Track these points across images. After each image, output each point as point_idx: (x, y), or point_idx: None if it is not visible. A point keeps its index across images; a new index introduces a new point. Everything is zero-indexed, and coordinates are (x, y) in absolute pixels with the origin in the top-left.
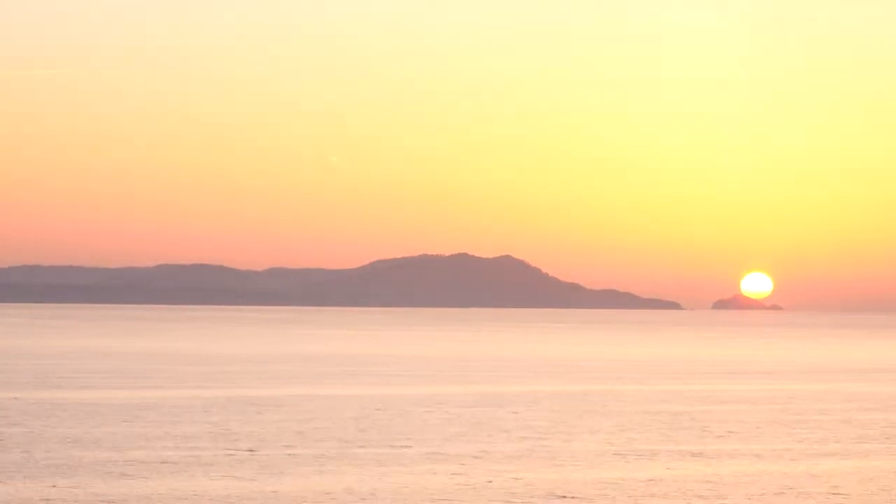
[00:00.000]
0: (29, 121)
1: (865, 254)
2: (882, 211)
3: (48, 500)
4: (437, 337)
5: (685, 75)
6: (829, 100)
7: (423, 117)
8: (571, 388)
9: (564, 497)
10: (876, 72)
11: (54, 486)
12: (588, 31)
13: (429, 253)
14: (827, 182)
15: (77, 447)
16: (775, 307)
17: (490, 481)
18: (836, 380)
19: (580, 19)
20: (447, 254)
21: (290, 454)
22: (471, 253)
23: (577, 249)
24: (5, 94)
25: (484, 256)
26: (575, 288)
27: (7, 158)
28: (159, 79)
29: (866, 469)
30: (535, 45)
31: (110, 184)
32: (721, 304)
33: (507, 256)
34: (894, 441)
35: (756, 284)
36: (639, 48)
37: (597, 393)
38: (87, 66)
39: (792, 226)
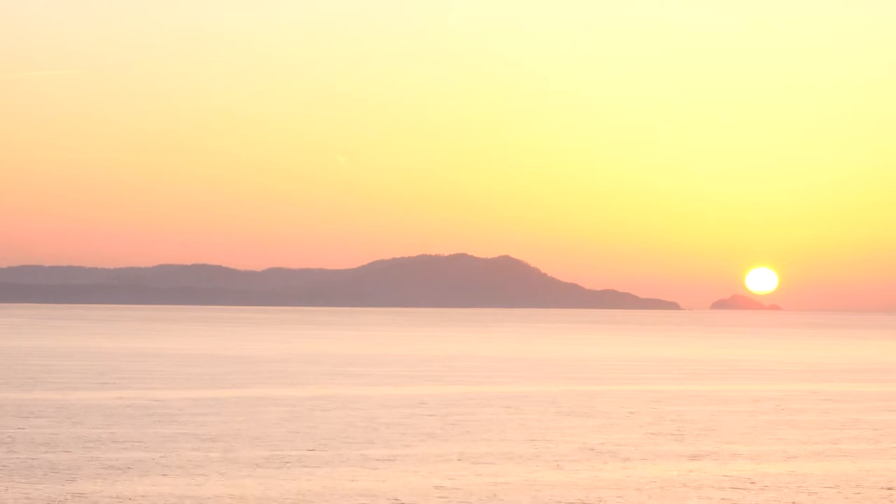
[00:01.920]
0: (29, 121)
1: (871, 255)
2: (888, 211)
3: (46, 500)
4: (437, 337)
5: (685, 76)
6: (836, 100)
7: (423, 119)
8: (570, 389)
9: (561, 498)
10: (884, 71)
11: (53, 487)
12: (586, 31)
13: (428, 253)
14: (833, 181)
15: (77, 448)
16: (774, 307)
17: (486, 481)
18: (837, 380)
19: (579, 19)
20: (446, 254)
21: (288, 454)
22: (470, 253)
23: (577, 250)
24: (6, 95)
25: (483, 256)
26: (574, 288)
27: (7, 158)
28: (160, 79)
29: (870, 469)
30: (536, 47)
31: (110, 184)
32: (720, 305)
33: (506, 257)
34: (891, 441)
35: (761, 280)
36: (637, 46)
37: (595, 393)
38: (88, 67)
39: (798, 225)
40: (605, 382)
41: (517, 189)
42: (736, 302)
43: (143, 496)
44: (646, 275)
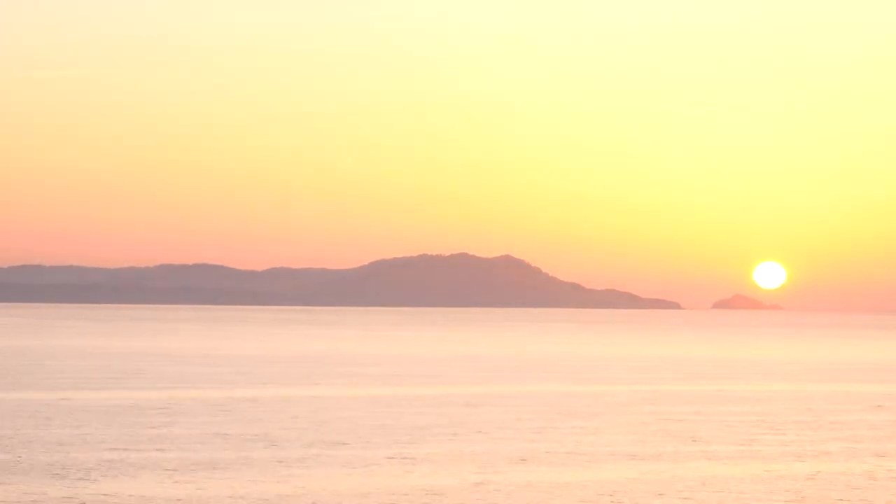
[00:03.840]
0: (30, 121)
1: (880, 255)
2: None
3: (43, 500)
4: (437, 337)
5: (685, 75)
6: (840, 100)
7: (424, 119)
8: (570, 389)
9: (561, 497)
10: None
11: (52, 487)
12: (584, 33)
13: (429, 253)
14: (843, 178)
15: (76, 449)
16: (775, 307)
17: (481, 482)
18: (836, 380)
19: (577, 20)
20: (447, 254)
21: (286, 454)
22: (471, 253)
23: (578, 249)
24: (6, 96)
25: (484, 256)
26: (575, 288)
27: (8, 158)
28: (160, 79)
29: (870, 470)
30: (537, 48)
31: (110, 184)
32: (721, 305)
33: (507, 256)
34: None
35: (769, 275)
36: (637, 48)
37: (596, 394)
38: (88, 67)
39: (807, 223)
40: (608, 383)
41: (518, 189)
42: (737, 302)
43: (142, 497)
44: (647, 275)
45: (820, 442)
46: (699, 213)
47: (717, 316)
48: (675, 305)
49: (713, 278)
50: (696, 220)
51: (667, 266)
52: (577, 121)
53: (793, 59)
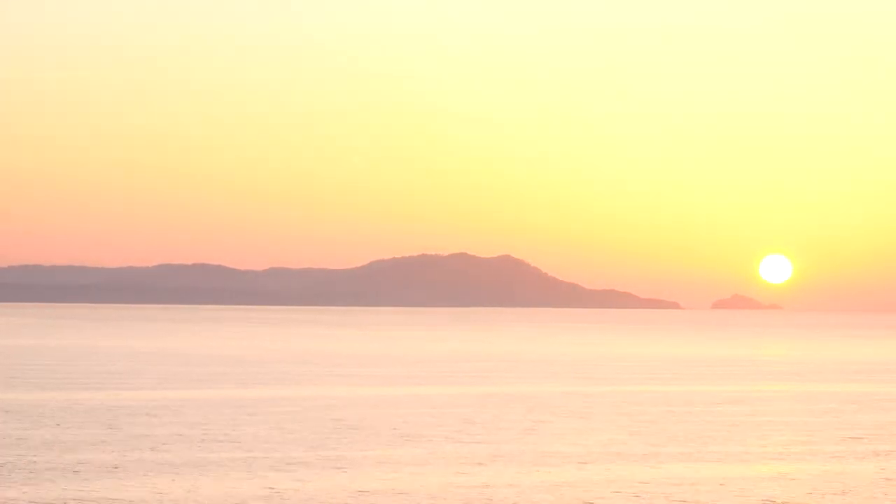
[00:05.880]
0: (30, 121)
1: (883, 253)
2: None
3: (44, 501)
4: (437, 337)
5: (683, 71)
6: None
7: (422, 118)
8: (569, 389)
9: (559, 497)
10: None
11: (52, 488)
12: (584, 33)
13: (428, 252)
14: (843, 178)
15: (74, 449)
16: (774, 307)
17: (483, 482)
18: (837, 380)
19: (582, 20)
20: (446, 253)
21: (284, 455)
22: (470, 252)
23: (577, 249)
24: (6, 95)
25: (483, 256)
26: (574, 288)
27: (8, 158)
28: (159, 79)
29: (872, 470)
30: (537, 46)
31: (110, 184)
32: (720, 304)
33: (507, 256)
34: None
35: (775, 269)
36: (636, 47)
37: (595, 394)
38: (89, 67)
39: (810, 219)
40: (608, 384)
41: (518, 188)
42: (736, 302)
43: (139, 499)
44: (646, 275)
45: (820, 442)
46: (699, 213)
47: (717, 316)
48: (674, 305)
49: (712, 278)
50: (696, 219)
51: (666, 266)
52: (575, 120)
53: (798, 46)
